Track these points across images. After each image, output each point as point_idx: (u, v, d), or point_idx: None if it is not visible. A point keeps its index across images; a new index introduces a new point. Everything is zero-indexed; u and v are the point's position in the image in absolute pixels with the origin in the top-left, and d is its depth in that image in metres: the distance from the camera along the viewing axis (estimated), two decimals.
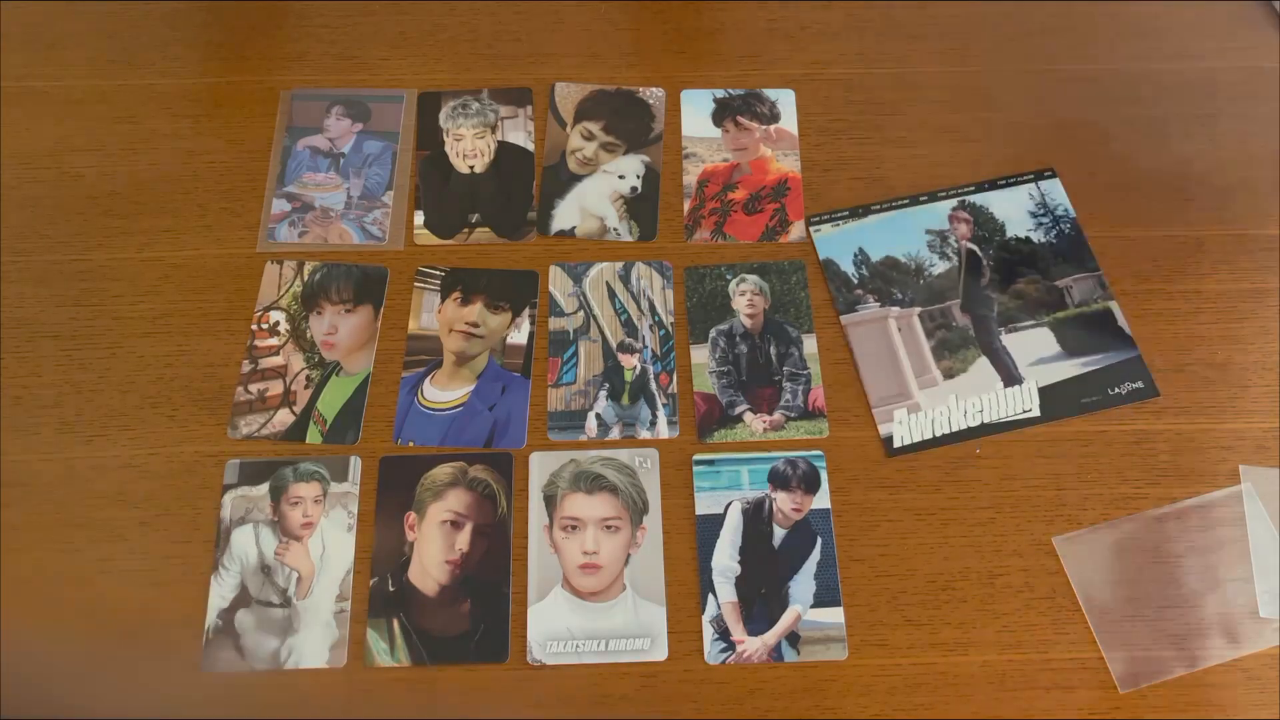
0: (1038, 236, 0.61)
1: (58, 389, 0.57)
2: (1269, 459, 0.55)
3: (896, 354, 0.58)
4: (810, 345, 0.58)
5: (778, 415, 0.56)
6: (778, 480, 0.55)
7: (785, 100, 0.66)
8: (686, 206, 0.63)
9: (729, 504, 0.54)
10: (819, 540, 0.53)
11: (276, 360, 0.58)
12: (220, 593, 0.52)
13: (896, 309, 0.59)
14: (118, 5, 0.69)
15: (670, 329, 0.59)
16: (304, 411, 0.56)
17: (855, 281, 0.60)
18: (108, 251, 0.61)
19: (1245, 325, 0.59)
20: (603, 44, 0.69)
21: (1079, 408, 0.56)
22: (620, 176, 0.64)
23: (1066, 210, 0.62)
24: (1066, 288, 0.60)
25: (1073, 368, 0.57)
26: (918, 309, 0.59)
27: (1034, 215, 0.62)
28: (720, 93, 0.67)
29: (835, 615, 0.52)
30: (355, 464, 0.55)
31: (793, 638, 0.51)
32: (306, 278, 0.60)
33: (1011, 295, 0.59)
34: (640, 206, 0.63)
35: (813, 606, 0.52)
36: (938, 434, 0.56)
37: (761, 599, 0.52)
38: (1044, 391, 0.56)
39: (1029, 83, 0.67)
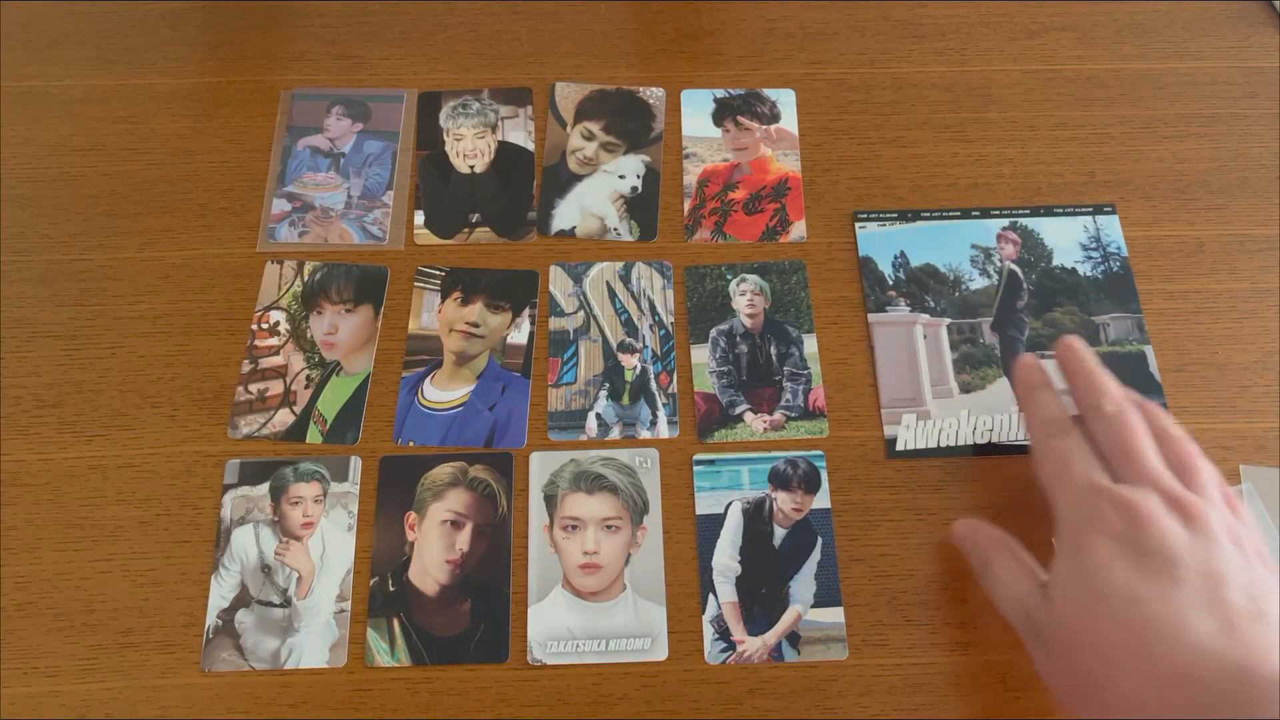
0: (1084, 269, 0.60)
1: (58, 389, 0.57)
2: (1269, 459, 0.55)
3: (917, 360, 0.57)
4: (810, 345, 0.58)
5: (778, 415, 0.56)
6: (778, 480, 0.55)
7: (785, 100, 0.67)
8: (686, 206, 0.63)
9: (729, 504, 0.54)
10: (819, 540, 0.53)
11: (276, 360, 0.58)
12: (220, 593, 0.52)
13: (926, 316, 0.59)
14: (118, 5, 0.69)
15: (670, 329, 0.59)
16: (304, 411, 0.56)
17: (890, 283, 0.60)
18: (108, 251, 0.61)
19: (1245, 325, 0.59)
20: (603, 44, 0.69)
21: None
22: (620, 176, 0.64)
23: (1119, 249, 0.61)
24: (1103, 324, 0.59)
25: None
26: (947, 320, 0.59)
27: (1085, 248, 0.61)
28: (720, 93, 0.67)
29: (835, 615, 0.52)
30: (355, 464, 0.55)
31: (793, 638, 0.51)
32: (306, 278, 0.60)
33: (1045, 322, 0.59)
34: (640, 206, 0.63)
35: (813, 606, 0.52)
36: (943, 444, 0.56)
37: (762, 599, 0.52)
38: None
39: (1029, 83, 0.67)
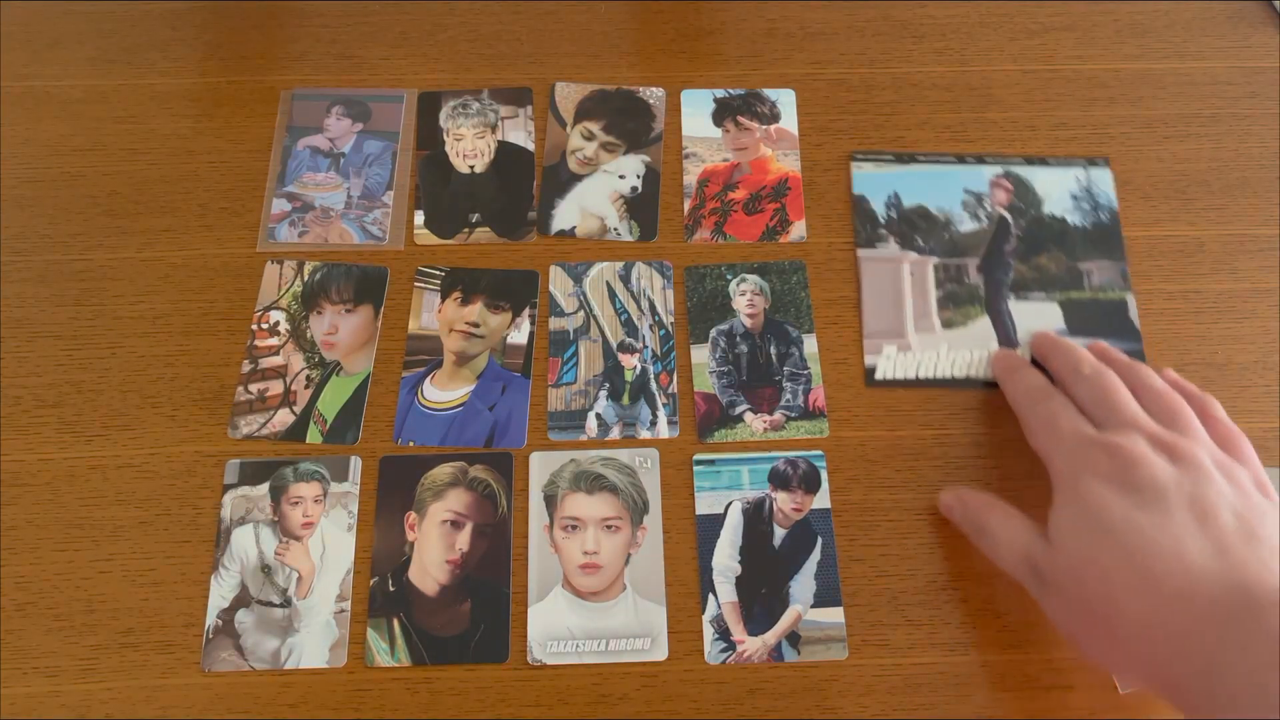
0: (1074, 219, 0.62)
1: (58, 389, 0.57)
2: (1269, 459, 0.55)
3: (902, 295, 0.59)
4: (810, 345, 0.58)
5: (778, 415, 0.56)
6: (778, 480, 0.55)
7: (785, 100, 0.67)
8: (686, 206, 0.63)
9: (729, 504, 0.54)
10: (819, 540, 0.53)
11: (276, 360, 0.58)
12: (220, 593, 0.52)
13: (914, 255, 0.61)
14: (118, 5, 0.69)
15: (670, 329, 0.59)
16: (304, 411, 0.56)
17: (882, 221, 0.61)
18: (108, 251, 0.61)
19: (1245, 325, 0.59)
20: (603, 44, 0.69)
21: None
22: (620, 176, 0.64)
23: (1109, 201, 0.62)
24: (1087, 271, 0.60)
25: None
26: (935, 259, 0.61)
27: (1075, 198, 0.63)
28: (720, 93, 0.67)
29: (835, 615, 0.52)
30: (355, 464, 0.55)
31: (793, 638, 0.51)
32: (306, 277, 0.60)
33: (1031, 266, 0.60)
34: (640, 206, 0.63)
35: (813, 606, 0.52)
36: (921, 376, 0.57)
37: (762, 599, 0.52)
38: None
39: (1029, 83, 0.67)
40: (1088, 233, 0.61)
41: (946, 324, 0.59)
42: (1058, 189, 0.63)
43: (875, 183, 0.63)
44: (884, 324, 0.59)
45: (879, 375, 0.57)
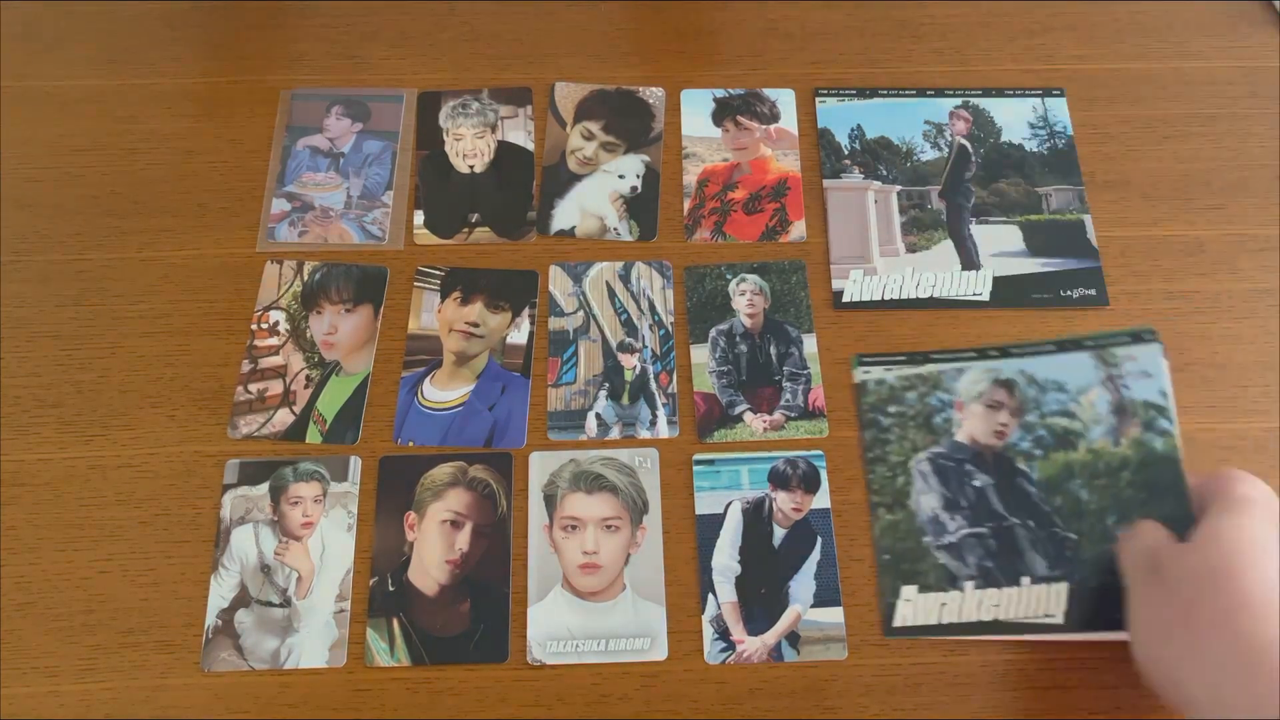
0: (1031, 146, 0.64)
1: (58, 389, 0.57)
2: (1269, 459, 0.55)
3: (867, 222, 0.61)
4: (810, 345, 0.58)
5: (778, 415, 0.56)
6: (778, 480, 0.55)
7: (785, 100, 0.66)
8: (686, 206, 0.63)
9: (729, 504, 0.54)
10: (819, 540, 0.53)
11: (276, 360, 0.58)
12: (220, 593, 0.52)
13: (878, 184, 0.63)
14: (118, 5, 0.69)
15: (670, 329, 0.59)
16: (304, 411, 0.56)
17: (846, 153, 0.64)
18: (107, 251, 0.61)
19: (1245, 325, 0.59)
20: (603, 44, 0.69)
21: (1029, 301, 0.59)
22: (620, 176, 0.64)
23: (1065, 128, 0.65)
24: (1046, 194, 0.63)
25: (1032, 265, 0.61)
26: (898, 187, 0.63)
27: (1033, 127, 0.65)
28: (720, 92, 0.67)
29: (835, 615, 0.52)
30: (355, 464, 0.55)
31: (793, 637, 0.51)
32: (306, 277, 0.60)
33: (991, 192, 0.63)
34: (640, 206, 0.63)
35: (813, 606, 0.52)
36: (887, 297, 0.59)
37: (761, 599, 0.52)
38: (998, 280, 0.60)
39: (1029, 83, 0.67)
40: (1045, 158, 0.64)
41: (911, 248, 0.61)
42: (1016, 119, 0.65)
43: (839, 116, 0.65)
44: (850, 249, 0.61)
45: (846, 299, 0.59)
